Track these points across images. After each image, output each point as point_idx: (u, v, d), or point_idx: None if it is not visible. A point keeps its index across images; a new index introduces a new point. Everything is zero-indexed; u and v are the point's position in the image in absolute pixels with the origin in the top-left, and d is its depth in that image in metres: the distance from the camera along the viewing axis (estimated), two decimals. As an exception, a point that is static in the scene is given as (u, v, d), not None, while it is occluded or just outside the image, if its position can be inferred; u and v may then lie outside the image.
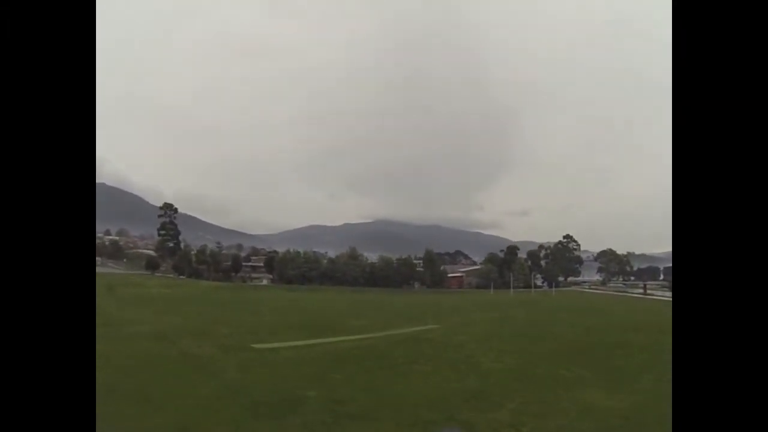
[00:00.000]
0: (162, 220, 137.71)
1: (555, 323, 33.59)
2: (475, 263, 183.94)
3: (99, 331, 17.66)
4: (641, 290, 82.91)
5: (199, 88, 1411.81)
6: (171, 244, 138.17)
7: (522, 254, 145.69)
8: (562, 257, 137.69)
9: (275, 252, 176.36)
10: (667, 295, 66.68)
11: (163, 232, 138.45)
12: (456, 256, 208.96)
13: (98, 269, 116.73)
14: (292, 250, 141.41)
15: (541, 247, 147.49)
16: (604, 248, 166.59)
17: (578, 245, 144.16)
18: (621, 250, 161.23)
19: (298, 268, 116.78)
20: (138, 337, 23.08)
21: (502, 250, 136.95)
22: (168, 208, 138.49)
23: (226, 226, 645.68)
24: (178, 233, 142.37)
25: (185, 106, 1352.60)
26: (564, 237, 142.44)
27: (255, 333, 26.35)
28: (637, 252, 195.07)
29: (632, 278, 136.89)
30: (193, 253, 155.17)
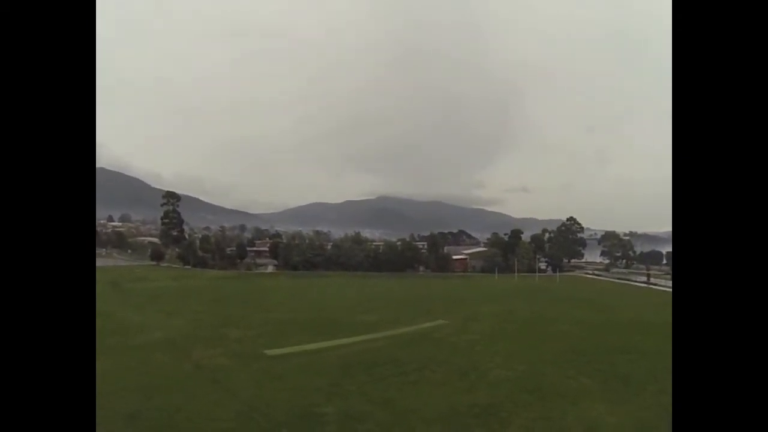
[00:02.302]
0: (165, 208, 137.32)
1: (559, 319, 33.77)
2: (478, 243, 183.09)
3: (110, 341, 18.08)
4: (644, 278, 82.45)
5: (198, 68, 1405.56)
6: (175, 233, 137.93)
7: (525, 231, 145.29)
8: (565, 239, 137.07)
9: (279, 236, 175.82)
10: (670, 285, 66.16)
11: (166, 220, 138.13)
12: (459, 236, 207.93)
13: (104, 261, 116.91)
14: (296, 237, 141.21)
15: (544, 230, 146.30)
16: (606, 226, 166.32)
17: (581, 227, 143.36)
18: (623, 229, 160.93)
19: (303, 254, 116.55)
20: (150, 348, 23.22)
21: (506, 234, 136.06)
22: (171, 196, 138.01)
23: (227, 207, 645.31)
24: (182, 221, 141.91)
25: (184, 88, 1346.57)
26: (567, 219, 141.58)
27: (265, 335, 26.68)
28: (639, 231, 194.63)
29: (634, 263, 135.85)
30: (197, 236, 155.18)
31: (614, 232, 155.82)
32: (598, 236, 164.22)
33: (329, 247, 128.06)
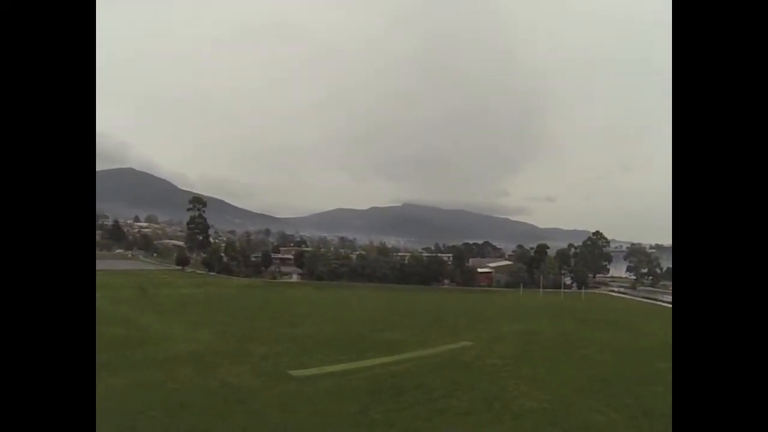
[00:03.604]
0: (191, 213, 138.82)
1: (585, 343, 33.68)
2: (503, 255, 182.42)
3: (138, 352, 18.39)
4: (671, 297, 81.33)
5: (225, 71, 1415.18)
6: (200, 238, 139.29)
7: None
8: (590, 254, 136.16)
9: (304, 243, 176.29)
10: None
11: (192, 225, 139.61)
12: (484, 248, 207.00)
13: (131, 264, 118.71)
14: (321, 245, 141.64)
15: (570, 245, 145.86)
16: (632, 237, 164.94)
17: (607, 241, 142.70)
18: (649, 240, 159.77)
19: (328, 264, 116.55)
20: (177, 362, 23.30)
21: (531, 247, 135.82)
22: (197, 201, 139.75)
23: (253, 210, 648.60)
24: (208, 227, 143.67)
25: (212, 91, 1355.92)
26: (593, 233, 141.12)
27: (291, 353, 26.57)
28: (665, 244, 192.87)
29: (661, 280, 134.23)
30: (222, 242, 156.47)
31: (640, 244, 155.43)
32: (624, 248, 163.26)
33: (354, 257, 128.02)
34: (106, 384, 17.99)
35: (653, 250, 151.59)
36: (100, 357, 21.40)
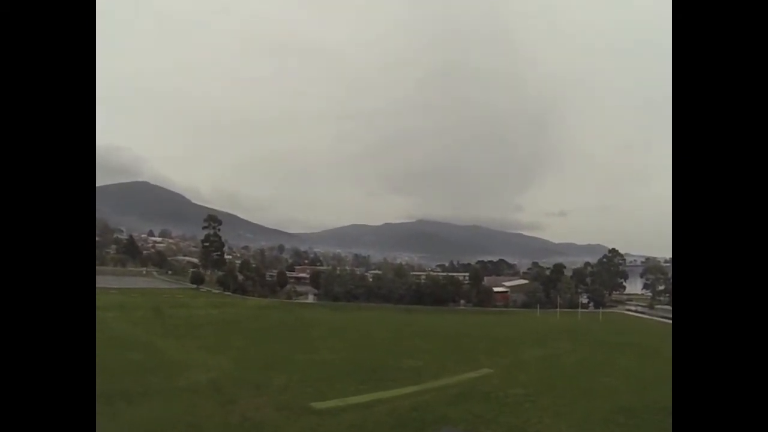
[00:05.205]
0: (206, 231, 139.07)
1: (607, 369, 33.41)
2: (518, 272, 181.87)
3: (155, 380, 18.30)
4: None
5: (237, 84, 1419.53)
6: (215, 256, 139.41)
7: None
8: (607, 273, 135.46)
9: (319, 261, 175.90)
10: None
11: (207, 243, 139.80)
12: (499, 265, 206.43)
13: (145, 282, 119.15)
14: (337, 265, 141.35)
15: (587, 264, 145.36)
16: (647, 250, 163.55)
17: (623, 259, 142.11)
18: (664, 253, 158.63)
19: (345, 285, 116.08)
20: (195, 391, 23.11)
21: (548, 268, 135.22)
22: (212, 220, 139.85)
23: (266, 225, 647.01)
24: (223, 245, 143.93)
25: (223, 103, 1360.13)
26: (609, 251, 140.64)
27: (311, 382, 26.32)
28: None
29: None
30: (237, 260, 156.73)
31: (656, 259, 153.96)
32: (639, 262, 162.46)
33: (370, 277, 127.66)
34: (126, 416, 17.88)
35: (668, 264, 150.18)
36: (118, 384, 21.41)
